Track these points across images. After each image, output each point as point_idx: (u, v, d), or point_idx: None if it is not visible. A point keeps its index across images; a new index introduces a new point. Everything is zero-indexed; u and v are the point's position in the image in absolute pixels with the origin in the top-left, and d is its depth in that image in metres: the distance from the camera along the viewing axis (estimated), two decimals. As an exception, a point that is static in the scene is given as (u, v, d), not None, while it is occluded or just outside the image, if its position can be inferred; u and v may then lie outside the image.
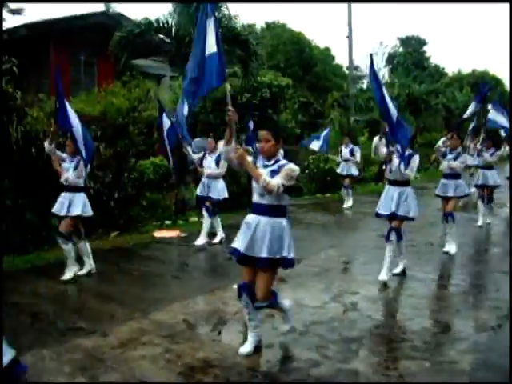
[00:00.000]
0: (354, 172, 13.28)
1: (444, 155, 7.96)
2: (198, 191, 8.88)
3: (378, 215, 6.78)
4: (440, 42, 73.11)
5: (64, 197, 6.68)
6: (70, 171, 6.62)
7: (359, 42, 58.70)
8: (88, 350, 4.48)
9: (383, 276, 6.53)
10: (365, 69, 41.30)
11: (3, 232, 7.88)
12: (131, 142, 9.82)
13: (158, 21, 11.89)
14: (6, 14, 13.02)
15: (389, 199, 6.58)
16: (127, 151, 9.84)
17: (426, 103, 23.56)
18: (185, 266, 7.66)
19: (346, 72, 27.98)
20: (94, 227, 9.16)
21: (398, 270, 6.76)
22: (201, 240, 8.67)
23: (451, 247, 7.90)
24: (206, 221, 8.77)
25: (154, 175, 11.64)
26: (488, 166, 10.28)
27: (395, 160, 6.52)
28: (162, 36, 12.24)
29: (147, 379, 3.92)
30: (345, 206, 13.08)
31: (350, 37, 22.07)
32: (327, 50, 34.58)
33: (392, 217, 6.56)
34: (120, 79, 11.68)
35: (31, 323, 5.17)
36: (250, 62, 12.38)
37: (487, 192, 10.36)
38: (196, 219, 10.65)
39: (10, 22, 12.89)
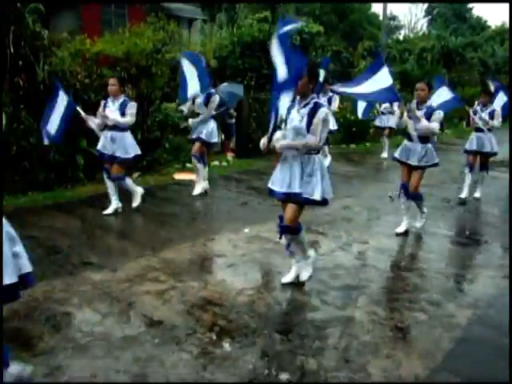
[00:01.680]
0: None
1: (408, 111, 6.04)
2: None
3: (271, 193, 4.72)
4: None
5: None
6: None
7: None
8: (96, 283, 4.67)
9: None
10: (403, 19, 40.04)
11: (28, 170, 8.11)
12: (155, 84, 9.82)
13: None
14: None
15: (285, 172, 4.54)
16: (151, 93, 9.87)
17: (461, 57, 22.63)
18: (199, 208, 7.77)
19: (383, 21, 27.20)
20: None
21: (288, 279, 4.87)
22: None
23: (402, 227, 6.59)
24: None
25: (178, 119, 11.64)
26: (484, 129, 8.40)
27: (295, 114, 4.52)
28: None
29: (147, 313, 4.09)
30: (382, 155, 13.46)
31: (385, -16, 21.48)
32: (364, -3, 33.53)
33: (288, 198, 4.58)
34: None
35: (46, 255, 5.37)
36: (277, 6, 12.13)
37: (481, 159, 8.68)
38: (217, 163, 10.83)
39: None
